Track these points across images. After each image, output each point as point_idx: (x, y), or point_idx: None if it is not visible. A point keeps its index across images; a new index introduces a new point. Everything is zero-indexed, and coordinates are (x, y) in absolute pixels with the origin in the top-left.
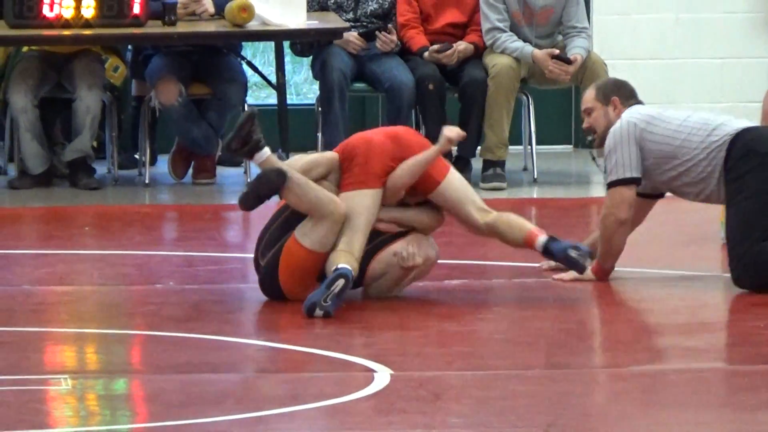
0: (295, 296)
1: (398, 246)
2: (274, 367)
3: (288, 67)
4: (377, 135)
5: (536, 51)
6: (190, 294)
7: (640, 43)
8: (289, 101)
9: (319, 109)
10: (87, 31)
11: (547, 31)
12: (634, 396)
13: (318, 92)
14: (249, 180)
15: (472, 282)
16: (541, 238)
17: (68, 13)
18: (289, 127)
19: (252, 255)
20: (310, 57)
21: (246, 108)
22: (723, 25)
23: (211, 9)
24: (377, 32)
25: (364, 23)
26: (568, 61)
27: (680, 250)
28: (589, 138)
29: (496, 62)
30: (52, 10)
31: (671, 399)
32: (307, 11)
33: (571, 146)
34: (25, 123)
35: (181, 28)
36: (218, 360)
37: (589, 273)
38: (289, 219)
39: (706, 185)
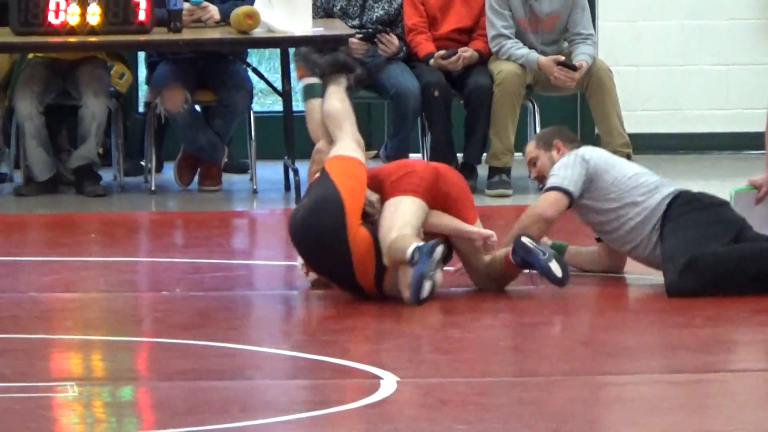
0: (348, 203)
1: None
2: (280, 375)
3: (293, 74)
4: (430, 163)
5: (541, 58)
6: (197, 301)
7: (645, 49)
8: (294, 108)
9: None
10: (92, 38)
11: (552, 38)
12: (639, 403)
13: None
14: (255, 186)
15: (477, 289)
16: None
17: (74, 20)
18: (294, 134)
19: (258, 262)
20: None
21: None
22: (728, 31)
23: (217, 16)
24: (377, 35)
25: (370, 29)
26: (574, 68)
27: None
28: (540, 186)
29: (501, 69)
30: (57, 17)
31: (677, 405)
32: (313, 18)
33: None
34: (31, 130)
35: (187, 35)
36: (224, 367)
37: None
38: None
39: (638, 234)
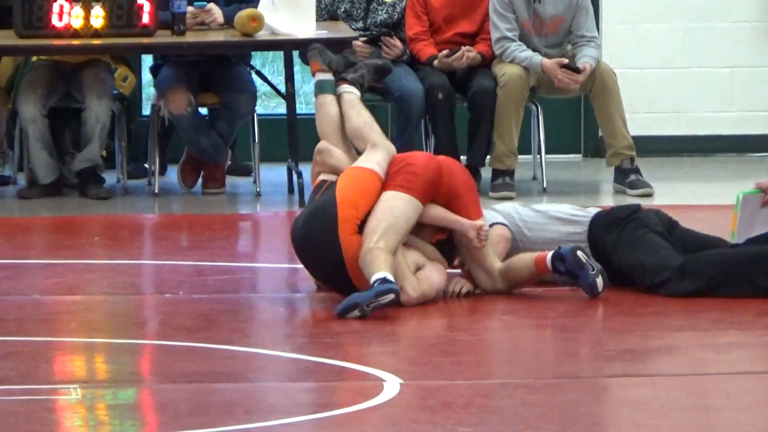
0: (342, 212)
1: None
2: (283, 377)
3: (297, 77)
4: (434, 156)
5: (545, 60)
6: (200, 304)
7: (649, 52)
8: (298, 111)
9: None
10: (96, 41)
11: (556, 41)
12: (643, 405)
13: None
14: (258, 189)
15: (481, 292)
16: (549, 253)
17: (77, 23)
18: (298, 137)
19: (261, 265)
20: None
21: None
22: (732, 33)
23: (220, 19)
24: (381, 38)
25: (374, 32)
26: (578, 70)
27: None
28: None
29: (505, 71)
30: (61, 19)
31: (681, 407)
32: (317, 21)
33: (580, 155)
34: (35, 133)
35: (191, 37)
36: (228, 370)
37: None
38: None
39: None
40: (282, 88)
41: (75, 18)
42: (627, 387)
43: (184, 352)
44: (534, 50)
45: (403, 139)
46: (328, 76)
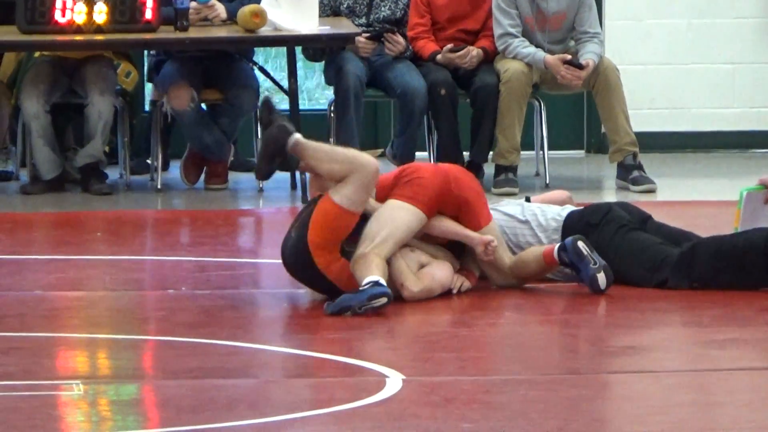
0: (317, 257)
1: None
2: (286, 373)
3: (300, 73)
4: (440, 167)
5: (548, 56)
6: (202, 299)
7: (652, 48)
8: (301, 107)
9: (332, 114)
10: (99, 37)
11: (559, 37)
12: (645, 401)
13: (330, 97)
14: (261, 185)
15: (484, 287)
16: (556, 245)
17: (80, 19)
18: (301, 133)
19: (264, 261)
20: (323, 62)
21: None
22: (735, 30)
23: (224, 14)
24: (384, 35)
25: (377, 28)
26: (580, 67)
27: None
28: None
29: (508, 67)
30: (64, 15)
31: (683, 403)
32: (320, 17)
33: (583, 151)
34: (37, 128)
35: (193, 33)
36: (230, 365)
37: None
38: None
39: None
40: (285, 84)
41: (78, 14)
42: (629, 383)
43: (186, 348)
44: (537, 46)
45: (405, 135)
46: (296, 135)
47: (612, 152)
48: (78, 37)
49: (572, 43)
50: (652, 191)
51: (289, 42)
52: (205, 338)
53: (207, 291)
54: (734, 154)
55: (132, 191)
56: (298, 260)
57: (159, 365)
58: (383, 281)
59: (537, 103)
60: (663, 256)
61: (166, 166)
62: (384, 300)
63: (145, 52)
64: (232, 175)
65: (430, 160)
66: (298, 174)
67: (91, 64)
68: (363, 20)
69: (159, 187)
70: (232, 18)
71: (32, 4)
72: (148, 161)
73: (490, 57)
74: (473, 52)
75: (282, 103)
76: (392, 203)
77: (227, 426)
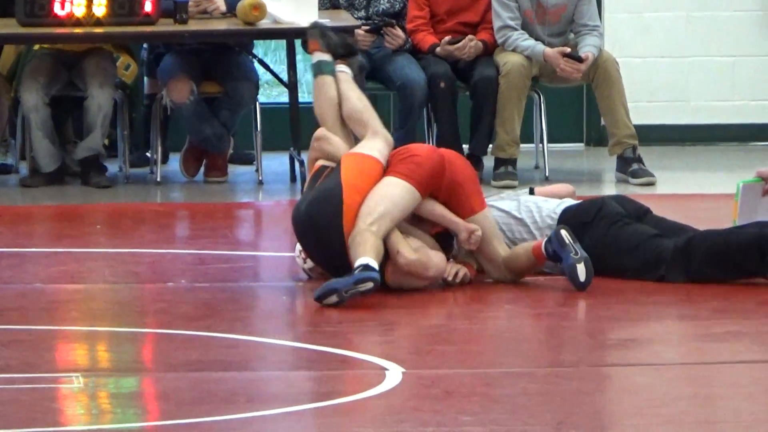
0: (347, 198)
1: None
2: (285, 366)
3: (299, 66)
4: (436, 149)
5: (547, 49)
6: (202, 292)
7: (652, 41)
8: (300, 99)
9: None
10: (98, 30)
11: (558, 30)
12: (645, 393)
13: None
14: (260, 178)
15: (483, 280)
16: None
17: (79, 12)
18: (300, 126)
19: (263, 253)
20: None
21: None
22: (735, 23)
23: (223, 7)
24: (384, 29)
25: (376, 21)
26: (580, 59)
27: None
28: None
29: (507, 60)
30: (63, 8)
31: (683, 396)
32: (319, 9)
33: (582, 144)
34: (37, 121)
35: (193, 26)
36: (229, 358)
37: None
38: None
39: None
40: (284, 76)
41: (77, 6)
42: (629, 375)
43: (185, 341)
44: (536, 39)
45: (405, 127)
46: (327, 57)
47: (611, 145)
48: (77, 30)
49: (572, 35)
50: (651, 184)
51: (288, 35)
52: (205, 331)
53: (206, 284)
54: (734, 146)
55: (131, 184)
56: (322, 208)
57: (158, 358)
58: (374, 263)
59: (536, 96)
60: (658, 251)
61: (165, 159)
62: (370, 285)
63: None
64: (232, 168)
65: None
66: (297, 167)
67: (90, 57)
68: (362, 13)
69: (158, 179)
70: (231, 11)
71: None
72: (148, 154)
73: (489, 50)
74: (471, 42)
75: (282, 95)
76: (388, 180)
77: (226, 419)
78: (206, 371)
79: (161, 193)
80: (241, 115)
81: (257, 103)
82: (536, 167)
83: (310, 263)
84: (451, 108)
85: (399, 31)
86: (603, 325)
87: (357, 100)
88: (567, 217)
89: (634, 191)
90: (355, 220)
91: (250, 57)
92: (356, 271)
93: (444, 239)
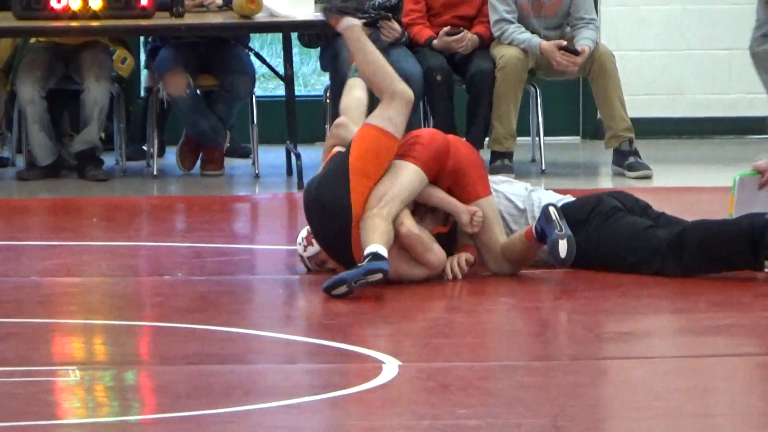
0: (354, 182)
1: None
2: (282, 359)
3: (296, 59)
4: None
5: (544, 42)
6: (199, 285)
7: (648, 34)
8: (297, 93)
9: (328, 100)
10: (95, 23)
11: (555, 23)
12: (642, 387)
13: (326, 83)
14: (257, 171)
15: (480, 273)
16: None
17: (76, 5)
18: (297, 119)
19: (260, 247)
20: (318, 48)
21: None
22: (730, 15)
23: (219, 0)
24: (380, 22)
25: (373, 14)
26: (576, 53)
27: None
28: None
29: (503, 53)
30: (59, 1)
31: (680, 389)
32: (315, 2)
33: (579, 137)
34: (33, 114)
35: (189, 19)
36: (226, 351)
37: None
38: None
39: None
40: (281, 69)
41: (74, 0)
42: (625, 369)
43: (182, 334)
44: (533, 32)
45: None
46: (356, 21)
47: (608, 138)
48: (73, 23)
49: (568, 29)
50: (648, 177)
51: (284, 28)
52: (201, 324)
53: (203, 277)
54: (730, 139)
55: (128, 177)
56: (330, 188)
57: (155, 351)
58: (384, 251)
59: (533, 89)
60: (652, 242)
61: (162, 152)
62: (379, 276)
63: (141, 39)
64: (228, 161)
65: None
66: (294, 160)
67: (87, 50)
68: None
69: (155, 173)
70: (227, 4)
71: None
72: (144, 147)
73: (485, 43)
74: (468, 36)
75: (278, 89)
76: (396, 163)
77: (223, 412)
78: (203, 364)
79: (158, 187)
80: (237, 108)
81: (253, 97)
82: (533, 160)
83: (310, 251)
84: (447, 101)
85: (395, 25)
86: (599, 318)
87: (366, 64)
88: (564, 214)
89: (630, 184)
90: (363, 201)
91: (247, 50)
92: (365, 260)
93: (444, 239)
